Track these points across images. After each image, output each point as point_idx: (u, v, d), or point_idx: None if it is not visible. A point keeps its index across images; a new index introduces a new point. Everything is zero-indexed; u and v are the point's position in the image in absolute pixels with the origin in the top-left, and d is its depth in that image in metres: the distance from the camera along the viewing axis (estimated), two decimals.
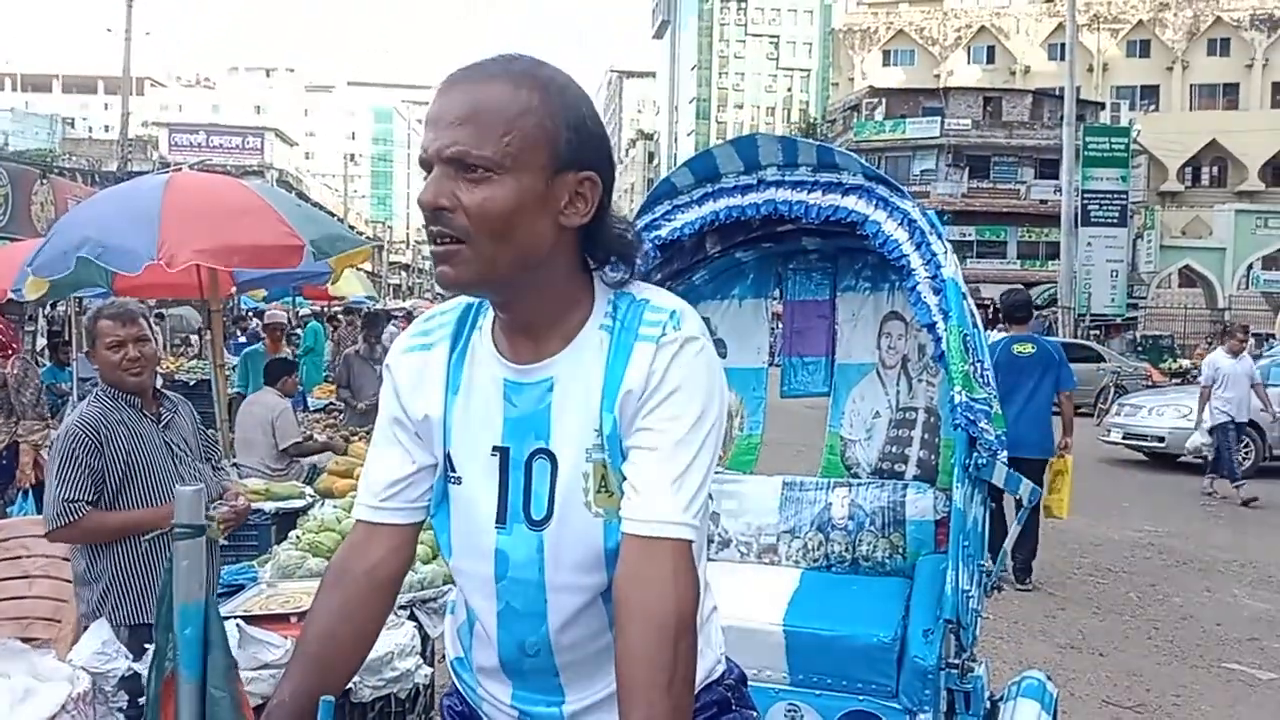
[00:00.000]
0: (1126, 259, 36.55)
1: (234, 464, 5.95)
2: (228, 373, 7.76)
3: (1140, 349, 30.42)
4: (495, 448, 1.39)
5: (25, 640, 3.30)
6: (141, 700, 2.95)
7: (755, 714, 1.58)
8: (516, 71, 1.31)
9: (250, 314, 22.01)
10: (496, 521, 1.40)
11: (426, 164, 1.31)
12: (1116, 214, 35.53)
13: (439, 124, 1.29)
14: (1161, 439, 13.28)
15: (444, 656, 1.68)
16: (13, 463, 5.91)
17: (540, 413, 1.37)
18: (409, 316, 23.33)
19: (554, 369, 1.38)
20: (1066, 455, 6.73)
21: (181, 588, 0.98)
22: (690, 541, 1.31)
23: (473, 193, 1.27)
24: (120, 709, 3.08)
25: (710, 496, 1.37)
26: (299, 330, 16.51)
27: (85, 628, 3.23)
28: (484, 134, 1.26)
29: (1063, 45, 31.86)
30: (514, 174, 1.27)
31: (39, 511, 5.65)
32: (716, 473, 1.35)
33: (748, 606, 2.66)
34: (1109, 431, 14.11)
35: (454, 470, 1.43)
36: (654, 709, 1.21)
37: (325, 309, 20.61)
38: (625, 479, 1.33)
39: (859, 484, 3.24)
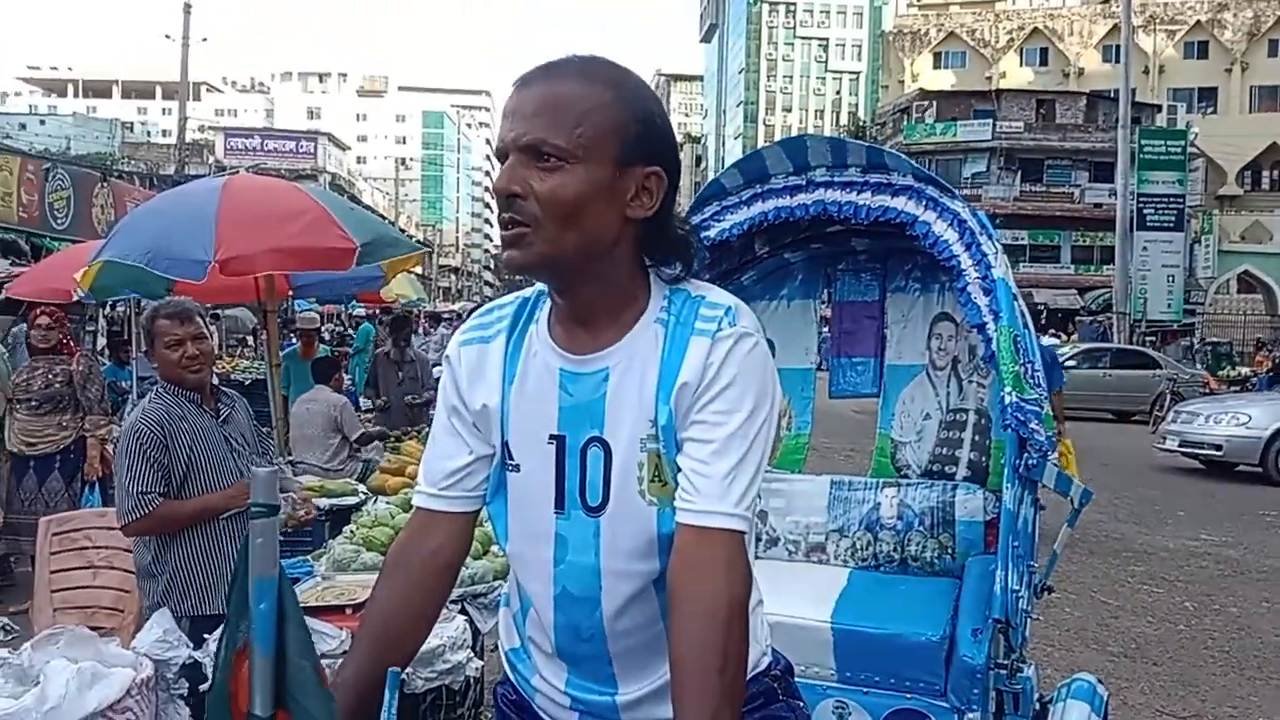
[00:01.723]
0: (1183, 264, 35.84)
1: (289, 461, 6.06)
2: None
3: (1199, 356, 29.80)
4: (551, 436, 1.43)
5: (90, 628, 3.40)
6: (202, 688, 3.04)
7: (802, 704, 1.60)
8: (590, 69, 1.37)
9: (299, 314, 22.33)
10: (555, 507, 1.44)
11: (502, 154, 1.37)
12: (1173, 218, 34.87)
13: (515, 115, 1.35)
14: (1219, 447, 13.02)
15: (495, 648, 1.72)
16: (80, 456, 6.07)
17: (595, 402, 1.41)
18: (459, 318, 23.55)
19: (609, 360, 1.41)
20: (1064, 438, 7.96)
21: (257, 564, 1.03)
22: (743, 533, 1.34)
23: (545, 180, 1.33)
24: (181, 696, 3.16)
25: (758, 495, 1.39)
26: (352, 332, 16.75)
27: (148, 618, 3.32)
28: (558, 124, 1.32)
29: (1118, 47, 31.35)
30: (585, 163, 1.32)
31: (106, 503, 5.83)
32: (764, 472, 1.38)
33: (796, 604, 2.67)
34: (1165, 439, 13.86)
35: (511, 458, 1.47)
36: (707, 693, 1.24)
37: (378, 311, 20.85)
38: (679, 470, 1.37)
39: (908, 484, 3.23)
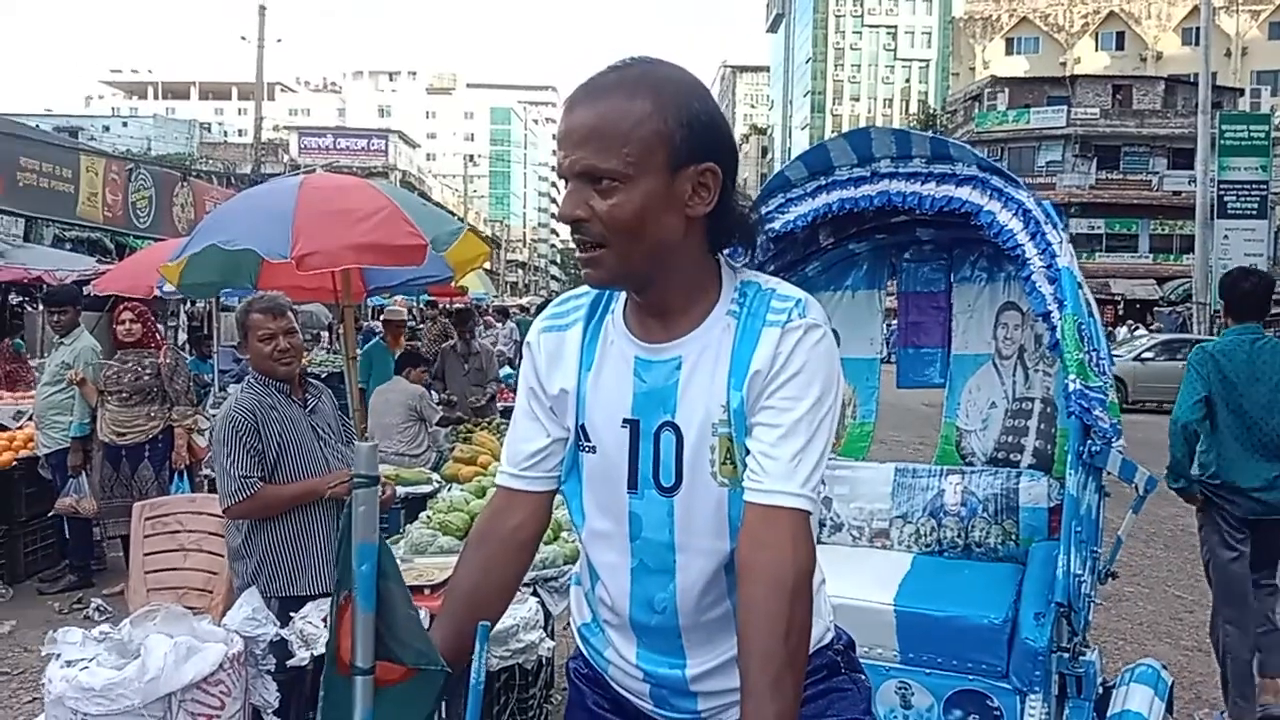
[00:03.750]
0: (1267, 253, 34.66)
1: None
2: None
3: None
4: (625, 420, 1.52)
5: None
6: (289, 663, 3.19)
7: (864, 676, 1.66)
8: (629, 81, 1.42)
9: (374, 310, 22.88)
10: (629, 487, 1.53)
11: (562, 177, 1.46)
12: (1256, 205, 33.72)
13: (567, 143, 1.43)
14: None
15: (566, 626, 1.80)
16: (168, 446, 6.31)
17: (668, 388, 1.49)
18: (525, 313, 23.84)
19: (683, 349, 1.49)
20: None
21: (359, 530, 1.13)
22: (808, 512, 1.42)
23: (603, 202, 1.41)
24: (269, 671, 3.32)
25: (822, 481, 1.46)
26: (423, 325, 17.08)
27: (238, 598, 3.48)
28: (606, 148, 1.39)
29: (1198, 29, 30.47)
30: (638, 180, 1.40)
31: (193, 490, 6.07)
32: (829, 459, 1.43)
33: (860, 587, 2.72)
34: None
35: (588, 440, 1.56)
36: (772, 659, 1.32)
37: (449, 305, 21.23)
38: (749, 452, 1.44)
39: (972, 471, 3.26)
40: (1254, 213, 33.71)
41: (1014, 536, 3.09)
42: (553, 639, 3.57)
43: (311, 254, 5.15)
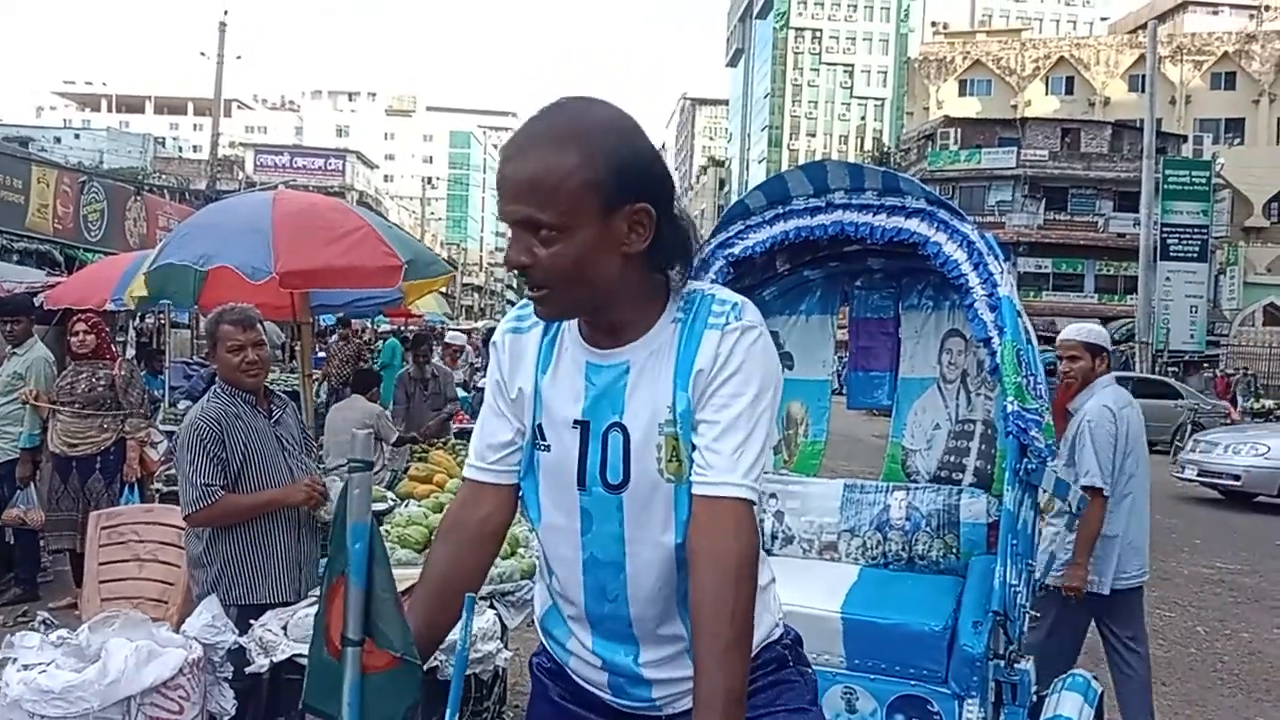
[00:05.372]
0: (1207, 295, 35.67)
1: (320, 469, 6.26)
2: (314, 382, 8.13)
3: (1239, 387, 29.59)
4: (576, 421, 1.62)
5: None
6: (247, 670, 3.23)
7: (810, 670, 1.78)
8: (557, 132, 1.49)
9: (328, 329, 22.79)
10: (578, 485, 1.63)
11: (507, 223, 1.54)
12: (1197, 249, 34.73)
13: (504, 193, 1.52)
14: (1238, 477, 13.04)
15: (524, 631, 1.88)
16: (120, 458, 6.28)
17: (617, 391, 1.60)
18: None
19: (630, 354, 1.61)
20: None
21: (354, 510, 1.22)
22: (751, 501, 1.53)
23: (545, 250, 1.50)
24: (226, 679, 3.34)
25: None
26: (380, 344, 17.06)
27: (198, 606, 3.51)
28: (540, 202, 1.47)
29: (1144, 77, 31.41)
30: (574, 230, 1.49)
31: (144, 502, 6.03)
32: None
33: (809, 596, 2.83)
34: (1184, 468, 13.89)
35: (543, 439, 1.67)
36: (719, 638, 1.44)
37: (404, 326, 21.15)
38: (694, 449, 1.55)
39: (916, 488, 3.39)
40: (1195, 255, 34.65)
41: (955, 550, 3.22)
42: (509, 650, 3.63)
43: (291, 272, 5.16)
